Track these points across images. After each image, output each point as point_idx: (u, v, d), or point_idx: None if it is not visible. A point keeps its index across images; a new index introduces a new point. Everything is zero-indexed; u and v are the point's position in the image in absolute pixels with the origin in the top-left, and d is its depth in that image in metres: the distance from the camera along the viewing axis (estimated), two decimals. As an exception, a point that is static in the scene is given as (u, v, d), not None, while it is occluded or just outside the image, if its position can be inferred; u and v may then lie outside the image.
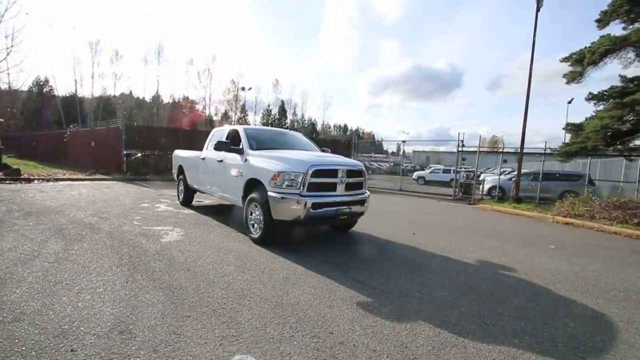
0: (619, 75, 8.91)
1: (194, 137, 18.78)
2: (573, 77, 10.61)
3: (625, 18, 9.48)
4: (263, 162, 4.81)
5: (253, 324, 2.49)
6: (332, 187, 4.65)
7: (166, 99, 57.16)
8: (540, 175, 13.61)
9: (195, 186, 7.23)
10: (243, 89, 44.61)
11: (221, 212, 7.19)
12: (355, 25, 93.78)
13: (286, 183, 4.37)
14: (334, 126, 78.61)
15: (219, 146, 5.44)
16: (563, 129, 11.10)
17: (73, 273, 3.29)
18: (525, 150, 13.73)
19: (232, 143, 5.85)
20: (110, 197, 8.61)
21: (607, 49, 9.15)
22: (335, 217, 4.72)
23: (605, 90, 9.00)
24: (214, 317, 2.56)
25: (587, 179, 13.20)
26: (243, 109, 61.18)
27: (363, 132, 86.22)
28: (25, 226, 5.02)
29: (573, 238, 6.83)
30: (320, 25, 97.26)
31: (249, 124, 61.13)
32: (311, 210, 4.35)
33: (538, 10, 12.74)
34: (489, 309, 3.03)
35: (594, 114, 10.64)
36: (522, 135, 13.40)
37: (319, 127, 71.24)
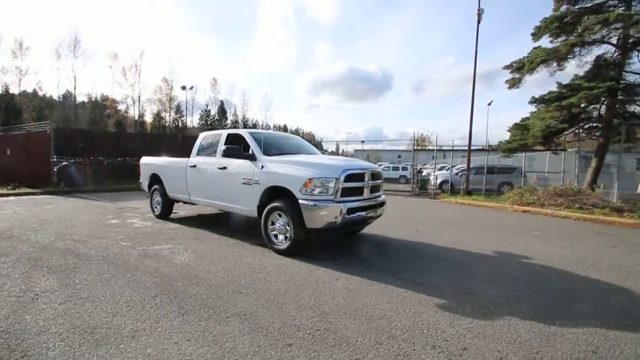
0: (556, 82, 10.48)
1: (141, 141, 16.95)
2: (514, 83, 12.15)
3: (553, 33, 11.17)
4: (287, 168, 4.52)
5: (365, 343, 2.32)
6: (360, 191, 4.58)
7: (84, 97, 50.13)
8: (485, 170, 15.33)
9: (179, 196, 6.50)
10: (184, 88, 41.36)
11: (212, 223, 6.58)
12: (291, 26, 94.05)
13: (319, 189, 4.17)
14: (274, 127, 76.81)
15: (229, 152, 4.94)
16: (508, 130, 12.61)
17: (104, 313, 2.69)
18: (460, 148, 15.30)
19: (235, 149, 5.40)
20: (60, 214, 7.26)
21: (543, 59, 10.67)
22: (364, 221, 4.67)
23: (545, 95, 10.50)
24: (319, 343, 2.32)
25: (522, 172, 15.24)
26: (178, 110, 56.93)
27: (303, 132, 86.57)
28: (-18, 260, 3.96)
29: (542, 224, 7.79)
30: (256, 24, 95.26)
31: (187, 125, 57.20)
32: (346, 216, 4.24)
33: (479, 22, 14.28)
34: (548, 296, 3.29)
35: (528, 115, 12.32)
36: (469, 135, 14.88)
37: (263, 128, 69.74)
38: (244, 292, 3.18)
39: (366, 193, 4.66)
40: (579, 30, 10.24)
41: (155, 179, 7.13)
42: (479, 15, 14.21)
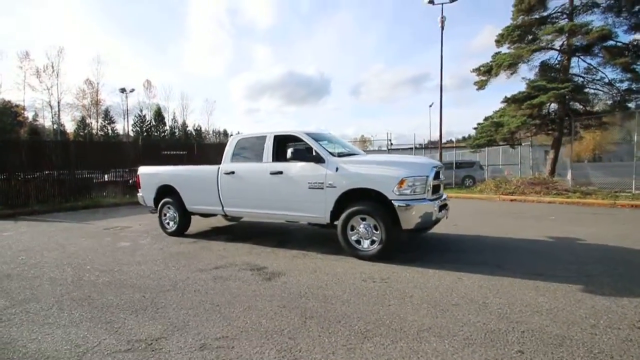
0: (526, 83, 11.80)
1: (92, 151, 14.68)
2: (482, 85, 13.36)
3: (513, 40, 12.55)
4: (371, 168, 4.26)
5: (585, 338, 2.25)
6: (438, 188, 4.54)
7: (-17, 102, 41.63)
8: (454, 165, 16.61)
9: (205, 209, 5.74)
10: (123, 90, 36.93)
11: (242, 234, 5.93)
12: (226, 28, 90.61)
13: (413, 189, 4.00)
14: (213, 132, 71.06)
15: (295, 155, 4.45)
16: (474, 128, 13.83)
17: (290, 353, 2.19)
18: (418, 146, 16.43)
19: (279, 152, 4.96)
20: (40, 242, 5.85)
21: (510, 63, 11.93)
22: (441, 218, 4.62)
23: (516, 95, 11.74)
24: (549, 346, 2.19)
25: (484, 165, 16.86)
26: (107, 115, 50.76)
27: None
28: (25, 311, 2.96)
29: (544, 210, 8.58)
30: (189, 26, 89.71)
31: (117, 133, 51.15)
32: (438, 213, 4.15)
33: (442, 29, 15.40)
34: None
35: (492, 112, 13.63)
36: (439, 134, 15.91)
37: (204, 134, 65.64)
38: (382, 313, 2.88)
39: (441, 190, 4.64)
40: (539, 37, 11.67)
41: (165, 192, 6.18)
42: (442, 22, 15.35)
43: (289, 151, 4.46)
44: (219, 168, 5.49)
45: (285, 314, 2.74)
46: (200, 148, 15.71)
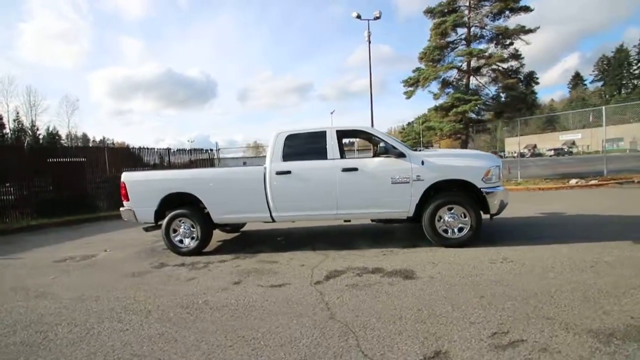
0: (454, 97, 14.14)
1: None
2: (409, 95, 15.37)
3: (431, 59, 14.94)
4: (456, 161, 4.51)
5: None
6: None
7: None
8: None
9: (244, 217, 4.96)
10: None
11: (285, 242, 5.28)
12: (83, 14, 75.34)
13: (494, 177, 4.44)
14: (67, 136, 54.36)
15: (383, 151, 4.29)
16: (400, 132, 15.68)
17: None
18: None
19: (388, 148, 4.53)
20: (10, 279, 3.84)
21: (434, 77, 14.14)
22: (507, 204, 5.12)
23: (444, 104, 13.95)
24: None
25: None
26: None
27: (113, 142, 68.03)
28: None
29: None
30: (26, 3, 70.45)
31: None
32: (507, 198, 4.70)
33: (370, 43, 16.96)
34: None
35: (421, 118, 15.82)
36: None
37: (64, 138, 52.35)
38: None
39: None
40: (452, 58, 14.27)
41: (173, 202, 4.94)
42: (369, 36, 16.91)
43: (380, 146, 4.30)
44: (264, 168, 4.76)
45: (486, 302, 2.71)
46: (113, 153, 12.68)
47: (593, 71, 71.08)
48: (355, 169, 4.54)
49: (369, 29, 16.80)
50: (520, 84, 14.76)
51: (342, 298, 3.03)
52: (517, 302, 2.72)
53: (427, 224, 4.41)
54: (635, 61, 61.47)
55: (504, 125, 16.30)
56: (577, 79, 73.74)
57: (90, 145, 55.72)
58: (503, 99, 15.94)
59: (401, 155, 4.50)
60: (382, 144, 4.45)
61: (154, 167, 13.19)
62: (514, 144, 24.68)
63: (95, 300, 3.40)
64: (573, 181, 10.95)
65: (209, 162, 15.45)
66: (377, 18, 16.55)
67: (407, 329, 2.40)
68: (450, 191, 4.48)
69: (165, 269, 4.39)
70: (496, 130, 16.71)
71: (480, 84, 16.06)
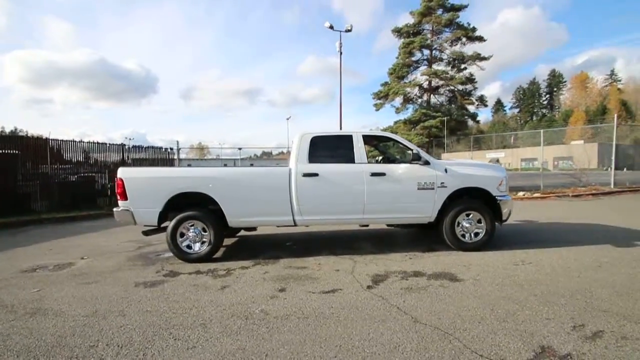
0: (421, 112, 15.05)
1: None
2: (379, 107, 16.12)
3: (399, 75, 15.86)
4: (474, 170, 4.81)
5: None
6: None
7: None
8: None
9: (265, 220, 4.64)
10: None
11: (309, 248, 5.07)
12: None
13: (503, 187, 4.85)
14: None
15: (415, 157, 4.42)
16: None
17: None
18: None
19: (417, 154, 4.61)
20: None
21: (402, 92, 15.01)
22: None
23: (411, 118, 14.81)
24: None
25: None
26: None
27: (28, 134, 58.96)
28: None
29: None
30: None
31: None
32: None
33: (341, 54, 17.42)
34: None
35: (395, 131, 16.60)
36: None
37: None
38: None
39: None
40: (417, 75, 15.34)
41: (180, 202, 4.46)
42: (340, 46, 17.37)
43: (413, 153, 4.43)
44: (290, 169, 4.57)
45: (543, 300, 2.96)
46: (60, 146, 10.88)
47: (511, 99, 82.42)
48: (384, 174, 4.60)
49: (340, 40, 17.35)
50: (473, 105, 16.56)
51: (408, 301, 3.02)
52: (566, 298, 2.99)
53: (448, 228, 4.64)
54: (544, 93, 72.73)
55: (455, 142, 18.02)
56: (498, 105, 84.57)
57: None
58: (455, 117, 17.59)
59: (427, 163, 4.68)
60: (414, 151, 4.58)
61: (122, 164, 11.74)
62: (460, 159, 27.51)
63: (121, 315, 2.89)
64: (521, 193, 12.45)
65: (169, 162, 14.22)
66: (348, 30, 17.15)
67: (497, 328, 2.48)
68: (461, 198, 4.78)
69: (182, 277, 3.91)
70: (451, 145, 18.37)
71: (438, 102, 17.53)
